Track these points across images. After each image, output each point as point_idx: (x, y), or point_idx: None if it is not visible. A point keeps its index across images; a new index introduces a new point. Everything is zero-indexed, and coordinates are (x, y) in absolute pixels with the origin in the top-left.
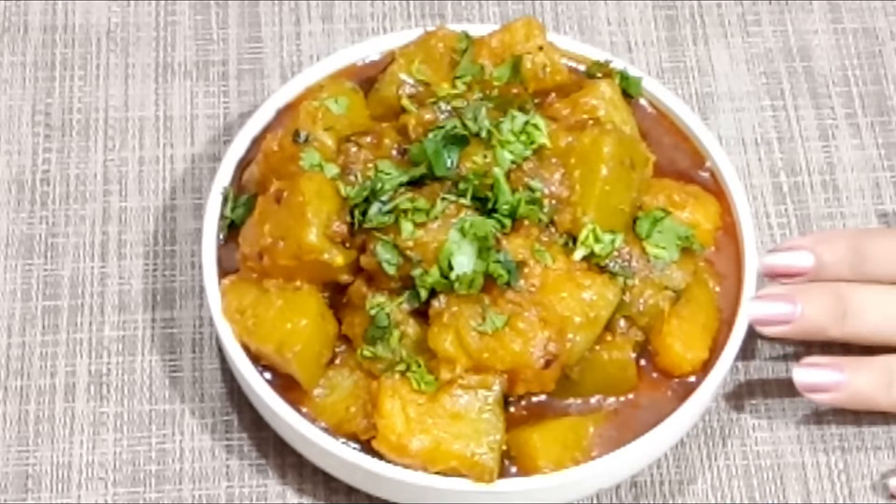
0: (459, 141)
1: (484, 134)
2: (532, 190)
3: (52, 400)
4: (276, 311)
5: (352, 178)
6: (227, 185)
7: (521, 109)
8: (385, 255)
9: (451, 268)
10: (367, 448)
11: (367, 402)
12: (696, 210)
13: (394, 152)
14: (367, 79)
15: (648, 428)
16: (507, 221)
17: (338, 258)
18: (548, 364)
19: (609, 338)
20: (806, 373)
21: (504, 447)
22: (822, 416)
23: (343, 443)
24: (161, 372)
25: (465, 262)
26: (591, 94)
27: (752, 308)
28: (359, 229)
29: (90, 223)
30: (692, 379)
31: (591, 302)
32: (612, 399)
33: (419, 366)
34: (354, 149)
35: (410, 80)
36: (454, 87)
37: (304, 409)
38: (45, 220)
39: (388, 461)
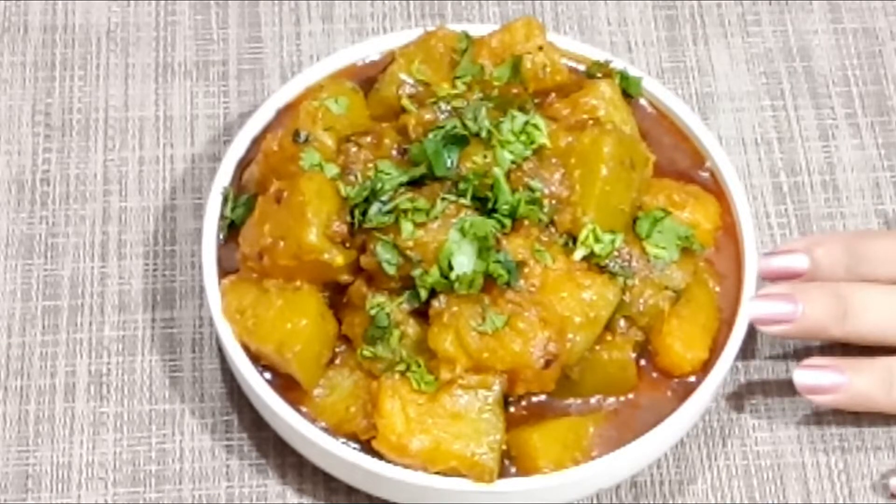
0: (459, 141)
1: (484, 134)
2: (532, 190)
3: (52, 400)
4: (276, 311)
5: (352, 178)
6: (227, 185)
7: (521, 109)
8: (385, 255)
9: (451, 268)
10: (367, 448)
11: (367, 402)
12: (696, 210)
13: (394, 152)
14: (367, 79)
15: (648, 428)
16: (507, 221)
17: (338, 258)
18: (548, 364)
19: (609, 338)
20: (806, 374)
21: (504, 447)
22: (822, 416)
23: (343, 443)
24: (161, 372)
25: (465, 262)
26: (591, 94)
27: (753, 307)
28: (359, 229)
29: (90, 223)
30: (692, 379)
31: (591, 302)
32: (612, 399)
33: (419, 366)
34: (354, 149)
35: (410, 80)
36: (454, 87)
37: (304, 409)
38: (45, 220)
39: (388, 461)
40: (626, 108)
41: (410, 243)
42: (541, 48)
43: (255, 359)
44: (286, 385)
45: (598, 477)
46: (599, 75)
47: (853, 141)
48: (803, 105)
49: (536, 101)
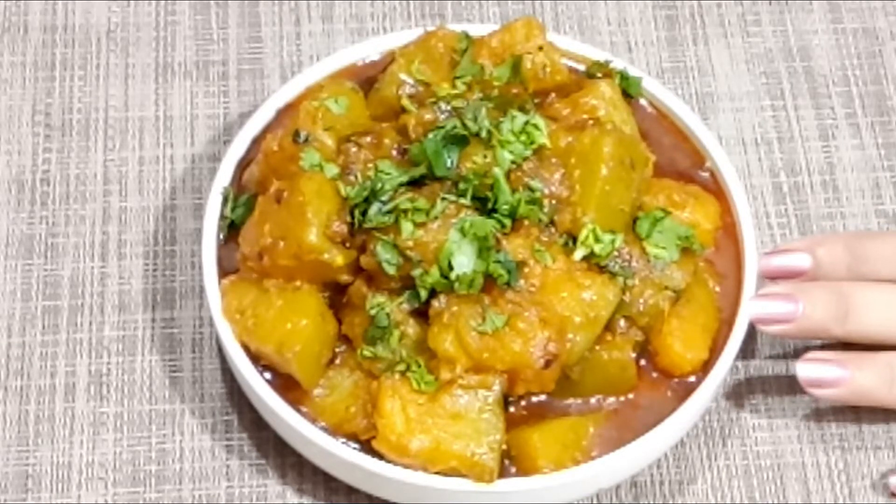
0: (459, 141)
1: (484, 134)
2: (532, 190)
3: (52, 400)
4: (276, 311)
5: (352, 178)
6: (227, 185)
7: (521, 109)
8: (385, 255)
9: (451, 268)
10: (367, 448)
11: (367, 402)
12: (696, 210)
13: (394, 152)
14: (367, 79)
15: (648, 428)
16: (507, 221)
17: (338, 258)
18: (548, 364)
19: (609, 338)
20: (809, 368)
21: (504, 447)
22: (822, 415)
23: (343, 443)
24: (161, 372)
25: (465, 262)
26: (591, 94)
27: (754, 306)
28: (359, 229)
29: (90, 223)
30: (692, 379)
31: (591, 302)
32: (612, 399)
33: (419, 366)
34: (354, 149)
35: (410, 80)
36: (454, 87)
37: (304, 409)
38: (45, 220)
39: (389, 461)
40: (626, 108)
41: (410, 243)
42: (541, 48)
43: (255, 359)
44: (286, 385)
45: (598, 477)
46: (599, 75)
47: (853, 141)
48: (803, 105)
49: (536, 101)
